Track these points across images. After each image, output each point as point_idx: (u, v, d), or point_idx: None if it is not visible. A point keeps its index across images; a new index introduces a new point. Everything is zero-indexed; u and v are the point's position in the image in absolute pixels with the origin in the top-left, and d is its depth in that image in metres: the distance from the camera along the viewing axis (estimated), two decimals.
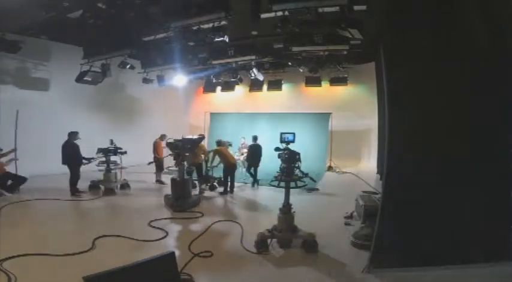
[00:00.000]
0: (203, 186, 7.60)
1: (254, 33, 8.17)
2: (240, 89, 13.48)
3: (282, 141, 4.65)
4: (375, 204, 4.84)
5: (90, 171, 7.61)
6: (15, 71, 8.55)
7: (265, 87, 12.53)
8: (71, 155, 6.90)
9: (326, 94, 12.48)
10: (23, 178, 6.96)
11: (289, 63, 10.58)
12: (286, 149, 4.40)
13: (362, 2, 5.56)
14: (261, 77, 10.98)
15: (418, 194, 3.49)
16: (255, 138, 8.63)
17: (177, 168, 6.47)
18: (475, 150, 3.48)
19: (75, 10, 6.37)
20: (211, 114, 13.53)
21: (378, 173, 9.29)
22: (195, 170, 7.45)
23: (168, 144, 6.75)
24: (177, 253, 2.51)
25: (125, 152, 7.36)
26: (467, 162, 3.47)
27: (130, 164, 9.06)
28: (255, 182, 8.36)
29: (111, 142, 7.45)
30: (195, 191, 7.19)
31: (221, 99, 13.91)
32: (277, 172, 4.37)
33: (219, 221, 5.18)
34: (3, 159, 6.95)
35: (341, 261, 3.77)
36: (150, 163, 8.31)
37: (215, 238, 4.58)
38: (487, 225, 3.45)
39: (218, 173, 7.96)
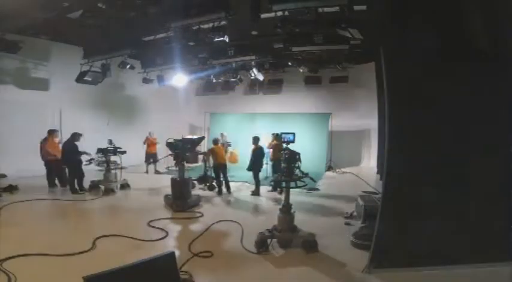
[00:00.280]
0: (201, 186, 7.62)
1: (254, 33, 8.17)
2: (240, 89, 13.51)
3: (282, 141, 4.66)
4: (375, 204, 4.85)
5: (91, 171, 7.63)
6: (15, 71, 8.56)
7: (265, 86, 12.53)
8: (70, 154, 6.91)
9: (326, 94, 12.48)
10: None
11: (289, 63, 10.57)
12: (286, 149, 4.40)
13: (362, 2, 5.56)
14: (261, 77, 10.98)
15: (418, 194, 3.49)
16: (256, 139, 7.40)
17: (176, 168, 6.48)
18: (475, 150, 3.49)
19: (75, 10, 6.37)
20: (211, 114, 13.53)
21: (378, 173, 9.29)
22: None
23: (168, 144, 6.74)
24: (176, 253, 2.51)
25: (125, 152, 7.36)
26: (468, 162, 3.47)
27: (130, 163, 9.08)
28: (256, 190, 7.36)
29: (110, 142, 7.45)
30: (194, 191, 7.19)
31: (221, 99, 13.91)
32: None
33: (219, 221, 5.18)
34: None
35: (341, 261, 3.77)
36: (150, 163, 8.34)
37: (215, 238, 4.58)
38: (487, 225, 3.45)
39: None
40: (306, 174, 4.31)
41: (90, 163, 7.34)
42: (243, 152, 9.98)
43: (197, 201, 6.37)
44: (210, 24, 6.03)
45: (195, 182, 7.62)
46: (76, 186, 7.07)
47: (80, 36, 8.10)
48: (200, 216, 5.59)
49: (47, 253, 3.69)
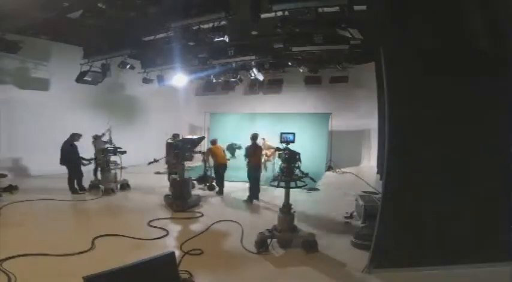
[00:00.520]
0: (201, 186, 7.62)
1: (254, 33, 8.17)
2: (240, 89, 13.51)
3: (282, 141, 4.66)
4: (375, 204, 4.85)
5: (90, 171, 7.63)
6: (15, 71, 8.56)
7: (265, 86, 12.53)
8: (70, 154, 6.93)
9: (326, 94, 12.48)
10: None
11: (289, 64, 10.57)
12: (286, 149, 4.40)
13: (362, 2, 5.56)
14: (261, 77, 10.98)
15: (418, 194, 3.49)
16: (254, 137, 7.04)
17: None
18: (475, 150, 3.49)
19: (75, 10, 6.37)
20: (211, 114, 13.53)
21: (378, 173, 9.29)
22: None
23: (168, 144, 6.74)
24: (176, 253, 2.51)
25: (125, 152, 7.36)
26: (468, 162, 3.47)
27: (130, 163, 9.07)
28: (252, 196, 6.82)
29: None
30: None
31: (221, 99, 13.92)
32: (277, 172, 4.38)
33: (219, 221, 5.17)
34: None
35: (341, 261, 3.77)
36: (150, 163, 8.33)
37: (215, 238, 4.58)
38: (488, 225, 3.45)
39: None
40: (306, 174, 4.31)
41: (90, 163, 7.34)
42: (242, 151, 9.97)
43: (197, 201, 6.37)
44: (210, 24, 6.02)
45: (195, 182, 7.62)
46: (76, 186, 7.08)
47: (80, 36, 8.10)
48: (200, 216, 5.59)
49: (46, 253, 3.70)
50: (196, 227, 5.05)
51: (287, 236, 4.17)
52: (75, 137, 7.08)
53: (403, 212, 3.53)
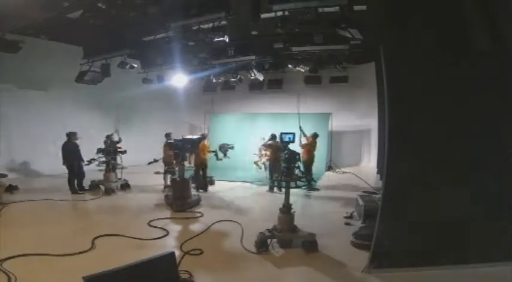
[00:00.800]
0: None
1: (254, 33, 8.17)
2: (240, 89, 13.49)
3: (282, 141, 4.66)
4: (375, 204, 4.85)
5: (91, 171, 7.62)
6: (15, 71, 8.55)
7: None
8: (74, 154, 6.94)
9: (326, 94, 12.47)
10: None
11: (289, 66, 10.56)
12: (286, 148, 4.41)
13: (362, 2, 5.55)
14: (261, 77, 10.97)
15: (418, 194, 3.49)
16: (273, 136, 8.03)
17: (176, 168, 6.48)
18: (475, 150, 3.48)
19: (75, 10, 6.36)
20: (211, 114, 13.53)
21: (378, 173, 9.29)
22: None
23: (168, 144, 6.75)
24: (176, 253, 2.51)
25: (125, 152, 7.36)
26: (467, 162, 3.47)
27: (131, 163, 9.07)
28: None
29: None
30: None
31: (221, 99, 13.91)
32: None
33: (219, 221, 5.17)
34: None
35: (341, 261, 3.77)
36: (150, 163, 8.33)
37: (215, 238, 4.58)
38: (487, 225, 3.45)
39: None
40: (306, 175, 4.32)
41: (90, 163, 7.34)
42: (242, 151, 9.98)
43: (197, 201, 6.37)
44: (210, 24, 6.02)
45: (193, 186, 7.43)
46: (75, 186, 7.09)
47: (80, 36, 8.09)
48: (200, 216, 5.59)
49: (47, 253, 3.70)
50: (196, 227, 5.05)
51: (287, 236, 4.17)
52: (71, 136, 7.08)
53: (403, 212, 3.53)
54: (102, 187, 7.18)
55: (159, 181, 8.41)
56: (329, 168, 11.33)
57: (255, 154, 9.46)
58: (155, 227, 4.92)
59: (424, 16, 3.52)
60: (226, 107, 13.67)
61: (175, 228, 4.98)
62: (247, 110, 13.30)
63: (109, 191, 7.05)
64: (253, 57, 8.71)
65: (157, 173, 9.66)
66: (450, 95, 3.49)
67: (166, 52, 8.36)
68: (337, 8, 5.18)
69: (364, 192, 6.65)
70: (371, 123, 10.86)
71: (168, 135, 7.87)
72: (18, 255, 3.59)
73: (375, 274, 3.39)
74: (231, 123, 12.82)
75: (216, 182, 8.45)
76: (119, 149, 7.32)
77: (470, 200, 3.44)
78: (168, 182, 7.74)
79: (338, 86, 11.95)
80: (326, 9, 5.20)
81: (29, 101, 8.83)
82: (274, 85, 12.53)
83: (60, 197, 6.60)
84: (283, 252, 4.04)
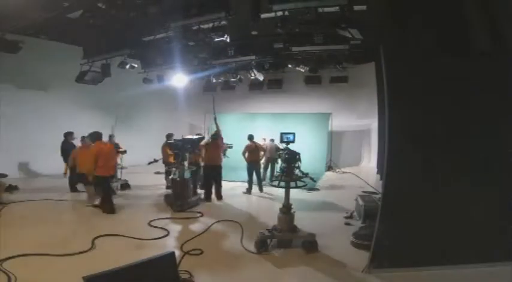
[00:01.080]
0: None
1: (254, 33, 8.17)
2: (240, 89, 13.50)
3: (282, 141, 4.66)
4: (375, 204, 4.85)
5: None
6: (15, 71, 8.56)
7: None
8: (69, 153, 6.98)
9: (326, 94, 12.48)
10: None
11: (289, 66, 10.57)
12: (286, 149, 4.41)
13: (362, 2, 5.56)
14: (261, 77, 10.98)
15: (418, 194, 3.49)
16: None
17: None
18: (475, 150, 3.48)
19: (75, 10, 6.37)
20: (212, 114, 13.52)
21: (378, 173, 9.29)
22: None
23: (169, 144, 6.75)
24: (176, 253, 2.51)
25: (125, 152, 7.36)
26: (468, 162, 3.47)
27: (131, 163, 9.08)
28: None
29: (110, 137, 7.44)
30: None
31: (221, 99, 13.91)
32: (278, 172, 4.38)
33: (219, 221, 5.17)
34: None
35: (341, 261, 3.77)
36: (150, 163, 8.33)
37: (215, 238, 4.58)
38: (488, 225, 3.45)
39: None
40: (306, 174, 4.31)
41: None
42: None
43: (197, 201, 6.37)
44: (210, 24, 6.02)
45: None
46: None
47: (80, 36, 8.10)
48: (200, 216, 5.59)
49: (46, 253, 3.69)
50: (196, 227, 5.05)
51: (287, 236, 4.17)
52: (68, 136, 7.18)
53: (403, 212, 3.53)
54: None
55: (159, 181, 8.42)
56: (329, 168, 11.34)
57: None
58: (155, 227, 4.92)
59: (424, 16, 3.52)
60: (226, 107, 13.67)
61: (175, 228, 4.98)
62: (247, 110, 13.30)
63: None
64: (253, 57, 8.72)
65: (158, 173, 9.67)
66: (450, 95, 3.49)
67: (166, 52, 8.37)
68: (337, 8, 5.18)
69: (364, 192, 6.65)
70: (371, 123, 10.86)
71: (169, 136, 7.90)
72: (18, 255, 3.58)
73: (375, 274, 3.39)
74: (231, 123, 12.83)
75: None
76: (119, 149, 7.32)
77: (470, 200, 3.44)
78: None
79: (338, 86, 11.96)
80: (326, 9, 5.21)
81: (29, 101, 8.83)
82: (274, 85, 12.55)
83: (60, 197, 6.60)
84: (283, 252, 4.04)
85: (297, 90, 12.88)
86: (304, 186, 4.44)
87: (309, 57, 9.47)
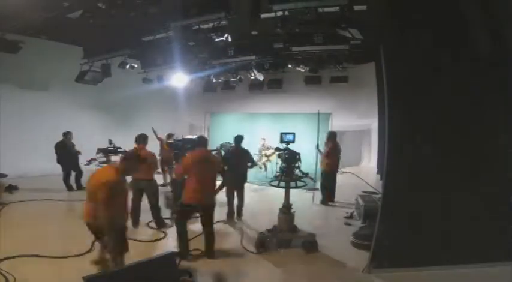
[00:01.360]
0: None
1: (254, 33, 8.17)
2: (240, 89, 13.51)
3: (282, 141, 4.66)
4: (375, 204, 4.85)
5: (90, 171, 7.61)
6: (15, 71, 8.55)
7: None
8: (65, 153, 7.00)
9: (326, 94, 12.48)
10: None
11: (289, 66, 10.56)
12: (286, 149, 4.41)
13: (362, 2, 5.56)
14: (261, 77, 10.98)
15: (418, 193, 3.49)
16: (238, 139, 5.66)
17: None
18: (475, 150, 3.48)
19: (75, 10, 6.36)
20: (211, 114, 13.53)
21: (378, 173, 9.29)
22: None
23: (168, 145, 6.75)
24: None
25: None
26: (468, 162, 3.47)
27: None
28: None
29: (110, 142, 7.45)
30: None
31: (221, 99, 13.93)
32: (278, 172, 4.39)
33: (219, 221, 5.16)
34: None
35: (341, 261, 3.78)
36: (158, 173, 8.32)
37: (215, 238, 4.57)
38: (487, 225, 3.45)
39: None
40: (306, 174, 4.31)
41: (90, 163, 7.34)
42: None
43: None
44: (210, 24, 6.02)
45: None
46: (71, 183, 7.15)
47: (80, 36, 8.10)
48: (200, 216, 5.57)
49: (45, 255, 3.68)
50: (196, 227, 5.03)
51: (287, 236, 4.17)
52: (67, 135, 7.27)
53: (403, 212, 3.53)
54: None
55: (159, 181, 8.40)
56: None
57: (255, 154, 9.44)
58: (154, 228, 4.91)
59: (424, 16, 3.51)
60: (226, 107, 13.67)
61: (175, 229, 4.96)
62: (247, 110, 13.29)
63: None
64: (253, 57, 8.71)
65: (157, 173, 9.67)
66: (450, 94, 3.49)
67: (166, 52, 8.35)
68: (337, 8, 5.18)
69: (364, 192, 6.65)
70: (371, 123, 10.86)
71: (170, 136, 7.97)
72: (15, 256, 3.57)
73: (375, 274, 3.39)
74: (231, 123, 12.82)
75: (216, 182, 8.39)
76: (119, 149, 7.31)
77: (470, 200, 3.44)
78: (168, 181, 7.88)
79: (338, 86, 11.95)
80: (326, 9, 5.20)
81: (29, 100, 8.82)
82: (274, 85, 12.53)
83: (60, 197, 6.59)
84: (283, 252, 4.04)
85: (297, 90, 12.87)
86: (304, 186, 4.44)
87: (309, 57, 9.46)
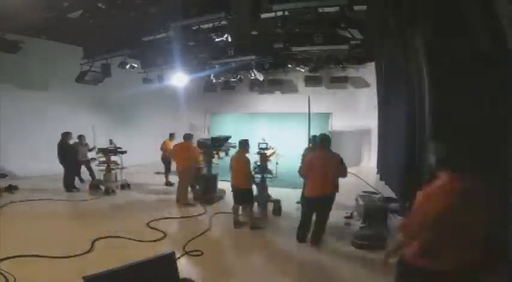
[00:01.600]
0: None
1: (254, 33, 8.17)
2: (240, 89, 13.51)
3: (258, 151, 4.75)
4: (375, 204, 4.85)
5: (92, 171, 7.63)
6: (15, 71, 8.56)
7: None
8: (71, 154, 7.00)
9: (326, 94, 12.49)
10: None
11: (289, 66, 10.57)
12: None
13: (362, 2, 5.56)
14: (261, 77, 10.98)
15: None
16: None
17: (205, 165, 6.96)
18: (475, 150, 3.48)
19: (75, 10, 6.37)
20: (212, 114, 13.54)
21: (378, 173, 9.28)
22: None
23: (198, 143, 6.91)
24: (177, 253, 2.51)
25: (125, 152, 7.36)
26: (467, 162, 3.46)
27: (131, 163, 9.07)
28: None
29: (111, 142, 7.46)
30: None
31: (221, 99, 13.94)
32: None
33: (218, 212, 5.17)
34: None
35: (341, 261, 3.77)
36: (158, 173, 8.33)
37: (215, 238, 4.58)
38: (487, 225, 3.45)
39: None
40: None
41: (89, 163, 7.37)
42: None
43: (222, 195, 6.82)
44: (210, 24, 6.02)
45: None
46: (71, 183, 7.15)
47: (80, 36, 8.10)
48: (201, 214, 5.58)
49: (45, 254, 3.68)
50: (196, 227, 5.05)
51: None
52: (68, 135, 7.28)
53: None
54: (102, 187, 7.18)
55: (159, 181, 8.42)
56: None
57: (255, 154, 9.41)
58: (155, 229, 4.91)
59: (424, 16, 3.52)
60: (226, 107, 13.67)
61: (175, 229, 4.99)
62: (247, 110, 13.30)
63: (109, 191, 7.05)
64: (253, 57, 8.71)
65: (158, 173, 9.68)
66: (450, 95, 3.49)
67: (167, 52, 8.35)
68: (337, 8, 5.18)
69: (364, 192, 6.64)
70: (371, 123, 10.85)
71: (172, 135, 8.32)
72: (16, 256, 3.58)
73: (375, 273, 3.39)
74: (231, 123, 12.83)
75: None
76: (119, 149, 7.32)
77: None
78: (169, 179, 8.21)
79: (338, 86, 11.96)
80: (326, 9, 5.20)
81: (29, 101, 8.83)
82: (274, 85, 12.54)
83: (60, 197, 6.60)
84: (283, 252, 4.04)
85: (297, 90, 12.88)
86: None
87: (309, 57, 9.46)
